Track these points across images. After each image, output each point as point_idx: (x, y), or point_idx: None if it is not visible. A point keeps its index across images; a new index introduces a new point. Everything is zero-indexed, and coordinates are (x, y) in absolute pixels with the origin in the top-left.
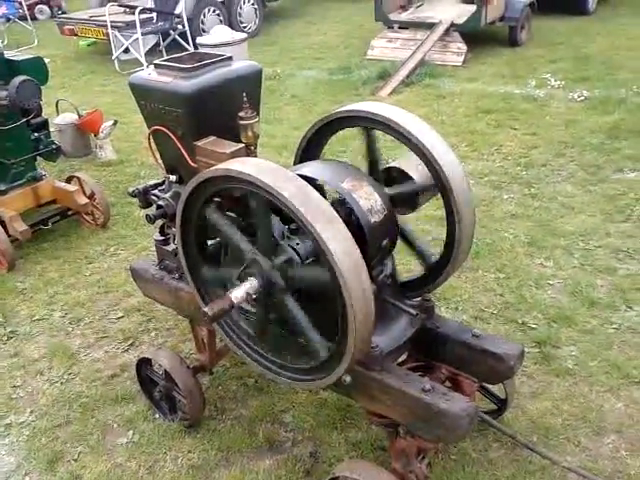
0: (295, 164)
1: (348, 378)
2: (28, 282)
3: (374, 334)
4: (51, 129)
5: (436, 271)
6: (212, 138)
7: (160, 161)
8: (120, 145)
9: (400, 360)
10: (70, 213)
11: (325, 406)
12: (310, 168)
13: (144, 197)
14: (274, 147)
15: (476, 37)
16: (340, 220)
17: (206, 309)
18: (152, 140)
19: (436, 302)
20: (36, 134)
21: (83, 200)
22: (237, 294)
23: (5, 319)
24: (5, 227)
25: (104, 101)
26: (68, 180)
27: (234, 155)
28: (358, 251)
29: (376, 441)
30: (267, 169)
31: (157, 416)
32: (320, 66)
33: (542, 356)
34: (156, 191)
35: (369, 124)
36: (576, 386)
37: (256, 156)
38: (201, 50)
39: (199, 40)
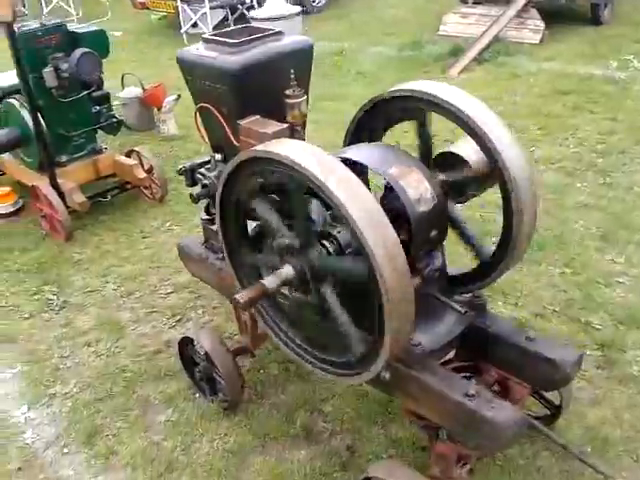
0: (344, 146)
1: (387, 375)
2: (85, 253)
3: (417, 331)
4: (116, 102)
5: (489, 267)
6: (256, 117)
7: (207, 139)
8: (183, 120)
9: (446, 359)
10: (129, 187)
11: (367, 398)
12: (356, 151)
13: (191, 175)
14: (334, 124)
15: (555, 14)
16: (378, 206)
17: (237, 296)
18: (200, 118)
19: (493, 296)
20: (97, 107)
21: (141, 174)
22: (271, 281)
23: (59, 288)
24: (64, 198)
25: (172, 75)
26: (128, 154)
27: (276, 135)
28: (398, 243)
29: (418, 440)
30: (306, 152)
31: (197, 395)
32: (389, 42)
33: (605, 360)
34: (203, 170)
35: (425, 105)
36: None
37: (303, 136)
38: (254, 24)
39: (252, 13)
